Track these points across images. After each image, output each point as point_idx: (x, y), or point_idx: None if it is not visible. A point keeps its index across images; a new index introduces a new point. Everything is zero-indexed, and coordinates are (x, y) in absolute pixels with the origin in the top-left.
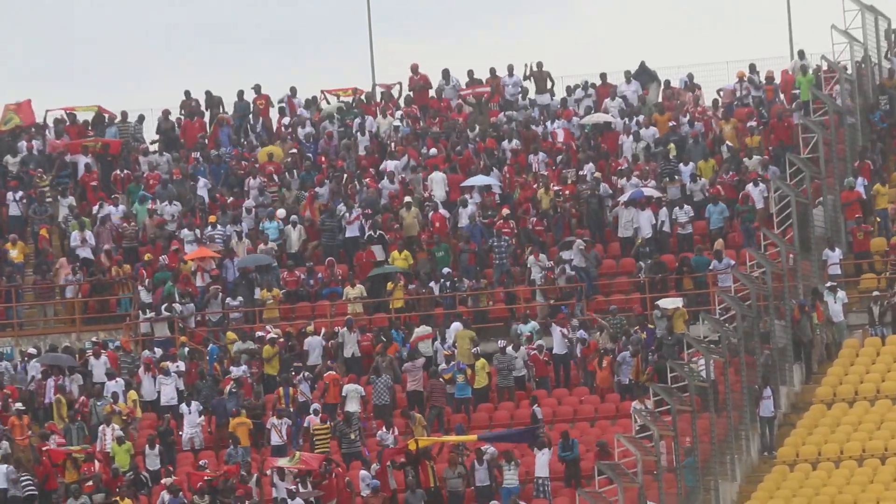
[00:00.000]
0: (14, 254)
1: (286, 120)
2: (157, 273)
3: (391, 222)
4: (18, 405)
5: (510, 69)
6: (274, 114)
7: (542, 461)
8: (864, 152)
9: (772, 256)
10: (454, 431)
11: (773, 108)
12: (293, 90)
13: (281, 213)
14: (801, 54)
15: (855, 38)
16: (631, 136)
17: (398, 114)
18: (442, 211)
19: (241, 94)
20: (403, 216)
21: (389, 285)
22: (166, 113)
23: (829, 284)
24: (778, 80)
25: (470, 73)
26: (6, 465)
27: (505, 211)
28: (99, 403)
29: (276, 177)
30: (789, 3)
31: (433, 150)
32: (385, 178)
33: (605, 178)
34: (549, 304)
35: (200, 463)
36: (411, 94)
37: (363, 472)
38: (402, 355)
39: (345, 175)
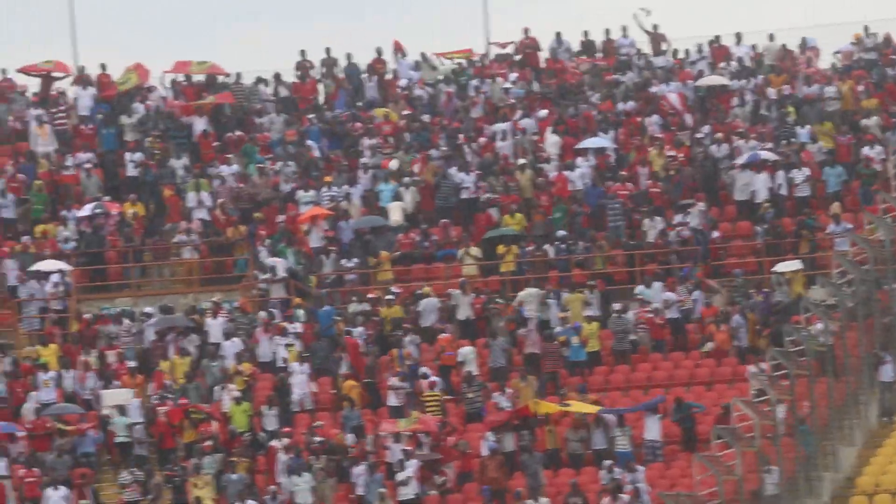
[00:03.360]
0: (131, 213)
1: (403, 82)
2: (274, 234)
3: (506, 184)
4: (131, 363)
5: (624, 30)
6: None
7: (653, 425)
8: None
9: (891, 219)
10: (577, 391)
11: (890, 71)
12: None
13: (394, 164)
14: None
15: None
16: (746, 97)
17: (511, 76)
18: (563, 172)
19: (349, 56)
20: (518, 178)
21: (500, 248)
22: (277, 76)
23: None
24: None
25: (585, 33)
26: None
27: (622, 173)
28: (213, 364)
29: (390, 138)
30: None
31: (544, 112)
32: (499, 139)
33: (722, 140)
34: (664, 266)
35: (315, 423)
36: (523, 55)
37: (487, 433)
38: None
39: (460, 136)
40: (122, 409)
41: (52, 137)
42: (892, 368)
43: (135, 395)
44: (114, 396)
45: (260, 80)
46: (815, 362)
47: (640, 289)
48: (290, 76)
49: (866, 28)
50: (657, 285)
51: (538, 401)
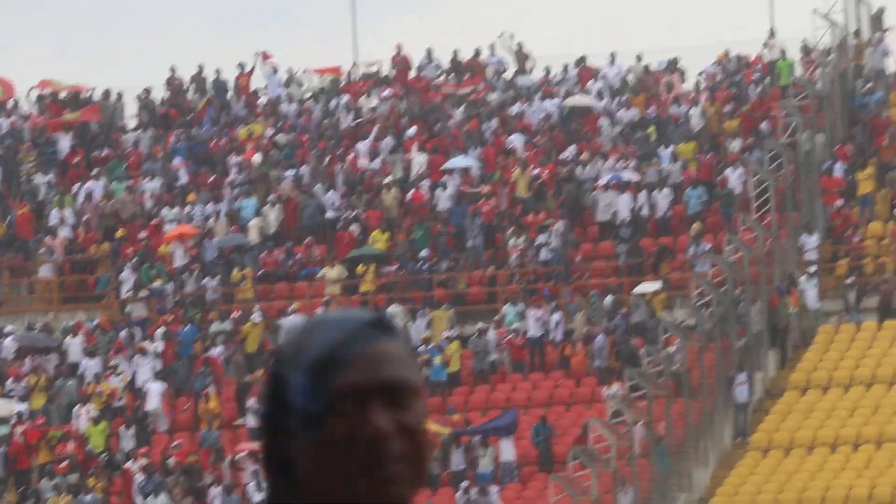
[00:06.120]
0: None
1: (266, 98)
2: (137, 252)
3: (371, 203)
4: None
5: (492, 48)
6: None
7: (509, 446)
8: (843, 137)
9: (749, 241)
10: (447, 412)
11: (752, 92)
12: (275, 68)
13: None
14: (772, 33)
15: (835, 21)
16: (610, 119)
17: (382, 93)
18: (422, 191)
19: (218, 72)
20: (383, 197)
21: (361, 267)
22: (147, 91)
23: (808, 270)
24: (760, 64)
25: (455, 52)
26: None
27: (486, 188)
28: (71, 383)
29: (256, 155)
30: None
31: (412, 130)
32: (364, 158)
33: (586, 160)
34: (526, 286)
35: (174, 444)
36: (392, 73)
37: None
38: None
39: (325, 155)
40: None
41: None
42: (746, 389)
43: None
44: None
45: (122, 96)
46: (672, 382)
47: (503, 308)
48: (159, 92)
49: (728, 50)
50: (518, 305)
51: None
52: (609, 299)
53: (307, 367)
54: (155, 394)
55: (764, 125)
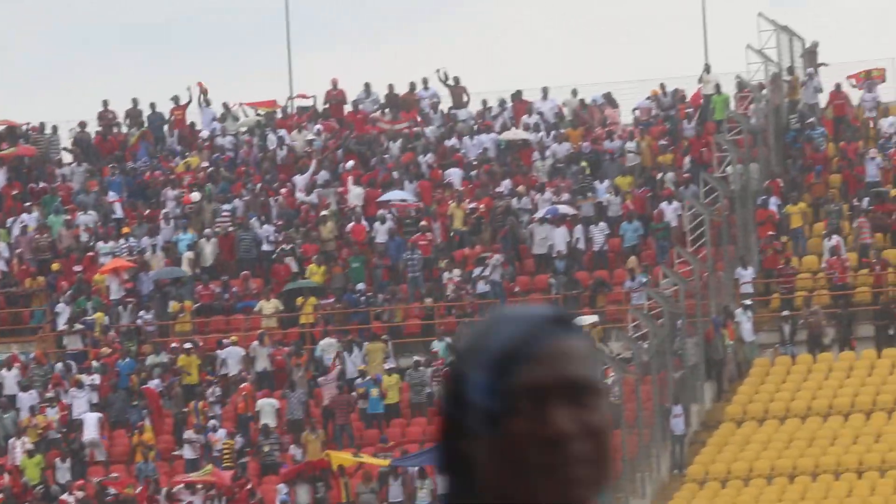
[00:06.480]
0: None
1: (205, 132)
2: (72, 285)
3: (307, 236)
4: None
5: (425, 82)
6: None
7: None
8: (776, 171)
9: (685, 275)
10: (379, 442)
11: (686, 127)
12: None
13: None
14: (707, 68)
15: (769, 57)
16: (547, 152)
17: (315, 127)
18: (361, 223)
19: (153, 105)
20: (321, 230)
21: (299, 300)
22: (83, 124)
23: (744, 303)
24: (696, 98)
25: (390, 87)
26: None
27: (423, 223)
28: (6, 416)
29: (193, 188)
30: (705, 23)
31: (350, 164)
32: (301, 191)
33: (523, 194)
34: (464, 320)
35: (111, 476)
36: (328, 107)
37: (280, 486)
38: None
39: (261, 188)
40: None
41: None
42: (682, 421)
43: None
44: None
45: (56, 130)
46: (608, 415)
47: (435, 343)
48: (93, 126)
49: (663, 85)
50: (444, 340)
51: (332, 453)
52: None
53: (488, 365)
54: (91, 424)
55: (699, 159)
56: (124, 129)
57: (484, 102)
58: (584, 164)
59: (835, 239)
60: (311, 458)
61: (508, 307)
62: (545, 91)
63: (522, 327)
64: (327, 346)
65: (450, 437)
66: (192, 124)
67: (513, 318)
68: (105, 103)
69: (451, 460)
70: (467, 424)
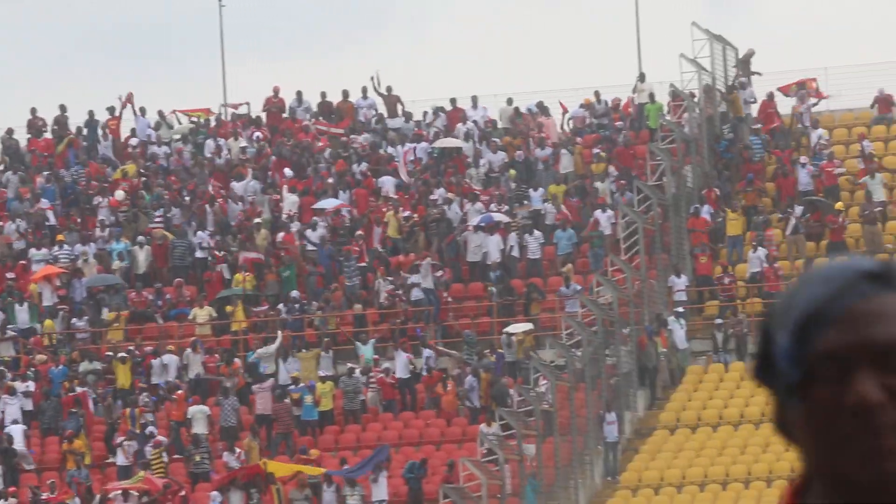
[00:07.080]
0: None
1: (136, 140)
2: (3, 292)
3: (241, 243)
4: None
5: (364, 91)
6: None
7: (380, 485)
8: (710, 180)
9: (619, 282)
10: (299, 451)
11: (620, 135)
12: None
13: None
14: (642, 77)
15: (703, 66)
16: (481, 160)
17: (252, 134)
18: (293, 231)
19: (91, 113)
20: (255, 237)
21: (229, 308)
22: (10, 131)
23: (677, 311)
24: (630, 107)
25: (323, 94)
26: None
27: (359, 233)
28: None
29: (126, 196)
30: (639, 31)
31: (288, 172)
32: (234, 199)
33: (456, 201)
34: (396, 326)
35: (48, 482)
36: (264, 114)
37: (213, 493)
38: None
39: (195, 195)
40: None
41: None
42: (616, 429)
43: None
44: None
45: None
46: (542, 422)
47: (361, 347)
48: (22, 133)
49: (597, 93)
50: (368, 344)
51: (267, 460)
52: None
53: (791, 328)
54: (17, 436)
55: (632, 168)
56: (50, 136)
57: (411, 114)
58: (511, 172)
59: (760, 251)
60: (248, 465)
61: (830, 262)
62: (475, 100)
63: (830, 286)
64: (263, 354)
65: (772, 405)
66: (133, 130)
67: (824, 275)
68: (33, 111)
69: (779, 429)
70: (777, 390)
